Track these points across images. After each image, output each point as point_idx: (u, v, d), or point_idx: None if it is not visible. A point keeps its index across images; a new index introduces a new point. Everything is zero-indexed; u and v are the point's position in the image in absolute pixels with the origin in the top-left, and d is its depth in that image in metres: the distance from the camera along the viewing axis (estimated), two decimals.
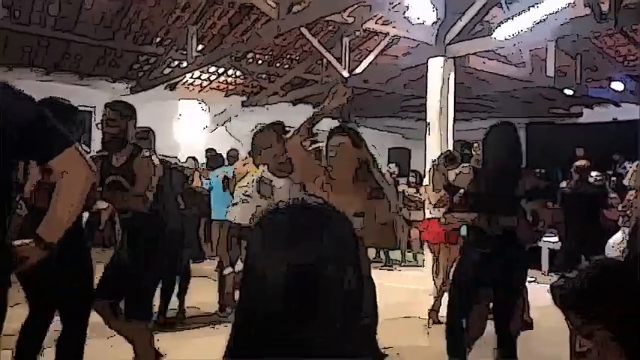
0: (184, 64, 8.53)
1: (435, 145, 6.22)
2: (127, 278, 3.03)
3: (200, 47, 8.36)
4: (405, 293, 6.06)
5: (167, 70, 9.17)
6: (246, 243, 0.96)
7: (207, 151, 8.08)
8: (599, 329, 1.24)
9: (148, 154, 3.18)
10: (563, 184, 6.18)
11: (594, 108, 10.83)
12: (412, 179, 8.32)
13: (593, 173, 5.78)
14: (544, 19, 5.65)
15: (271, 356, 0.85)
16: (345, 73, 8.25)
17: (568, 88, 8.56)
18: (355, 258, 0.91)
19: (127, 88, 9.53)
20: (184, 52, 8.22)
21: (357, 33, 8.58)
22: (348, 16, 7.87)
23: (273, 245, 0.88)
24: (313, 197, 0.97)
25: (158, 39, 8.69)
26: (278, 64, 10.01)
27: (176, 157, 6.14)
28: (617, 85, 8.73)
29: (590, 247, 5.59)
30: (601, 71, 8.96)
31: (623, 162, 9.46)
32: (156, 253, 3.15)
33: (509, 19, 5.96)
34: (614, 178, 9.32)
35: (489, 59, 7.17)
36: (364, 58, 8.54)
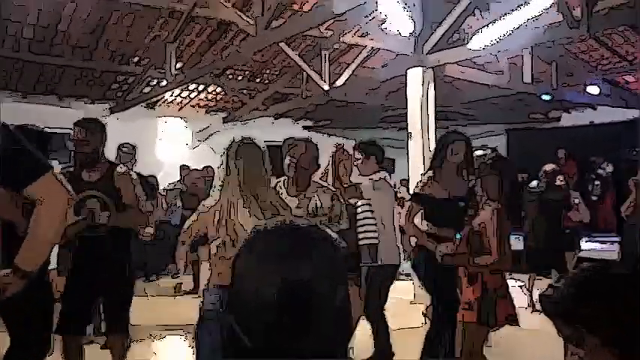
0: (164, 82, 8.48)
1: (417, 154, 6.25)
2: (101, 297, 3.06)
3: (179, 65, 8.32)
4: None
5: (147, 89, 9.12)
6: (231, 264, 0.94)
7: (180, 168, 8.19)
8: (588, 336, 1.23)
9: (124, 169, 3.20)
10: (533, 183, 6.33)
11: (571, 112, 11.01)
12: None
13: (560, 177, 6.02)
14: (519, 27, 5.74)
15: None
16: (326, 87, 8.28)
17: (545, 93, 8.69)
18: (344, 277, 0.90)
19: (106, 108, 9.44)
20: (163, 71, 8.17)
21: (336, 46, 8.63)
22: (326, 29, 7.92)
23: (263, 266, 0.87)
24: (301, 219, 0.96)
25: (136, 58, 8.63)
26: (258, 80, 10.01)
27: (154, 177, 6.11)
28: (593, 89, 8.88)
29: (553, 247, 5.81)
30: (576, 76, 9.13)
31: (602, 163, 9.61)
32: (129, 266, 3.17)
33: (484, 27, 6.05)
34: (597, 183, 9.48)
35: (468, 67, 7.25)
36: (344, 71, 8.59)
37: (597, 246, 7.96)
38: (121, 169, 3.18)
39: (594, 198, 9.32)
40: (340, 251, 0.92)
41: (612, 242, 7.82)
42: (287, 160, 3.12)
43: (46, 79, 8.77)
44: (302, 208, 3.07)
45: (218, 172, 2.80)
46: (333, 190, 3.35)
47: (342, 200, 3.30)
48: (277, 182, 3.19)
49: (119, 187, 3.06)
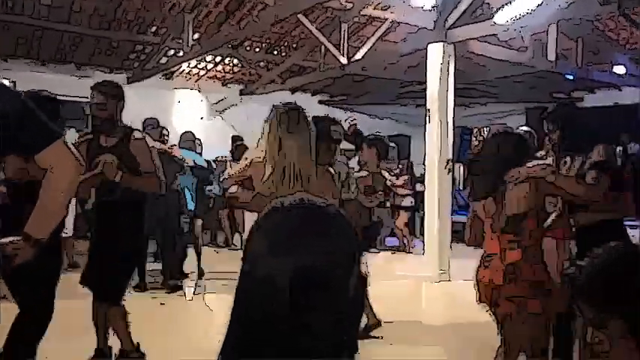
0: (181, 53, 8.43)
1: (434, 132, 6.15)
2: (99, 263, 3.07)
3: (196, 36, 8.25)
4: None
5: (164, 60, 9.07)
6: (245, 242, 0.90)
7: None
8: (614, 320, 1.17)
9: (140, 135, 3.17)
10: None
11: (596, 92, 10.73)
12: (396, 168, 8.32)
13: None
14: (546, 2, 5.55)
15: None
16: (344, 60, 8.15)
17: (569, 73, 8.46)
18: (359, 256, 0.88)
19: (124, 78, 9.43)
20: (180, 41, 8.11)
21: (356, 19, 8.46)
22: (346, 1, 7.76)
23: (280, 245, 0.83)
24: (315, 197, 0.92)
25: (154, 28, 8.57)
26: (276, 52, 9.90)
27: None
28: (619, 69, 8.62)
29: None
30: (603, 55, 8.85)
31: (629, 142, 9.37)
32: (131, 236, 3.14)
33: (509, 2, 5.85)
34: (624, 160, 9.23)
35: (490, 44, 7.06)
36: (363, 45, 8.43)
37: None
38: (137, 134, 3.15)
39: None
40: (354, 231, 0.89)
41: (633, 227, 7.63)
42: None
43: (65, 47, 8.77)
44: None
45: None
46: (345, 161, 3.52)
47: (350, 172, 3.52)
48: None
49: (135, 154, 3.03)
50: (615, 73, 8.66)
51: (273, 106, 2.72)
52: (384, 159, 5.01)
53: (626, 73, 8.67)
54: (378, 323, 4.01)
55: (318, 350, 0.82)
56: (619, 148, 9.37)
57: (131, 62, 9.49)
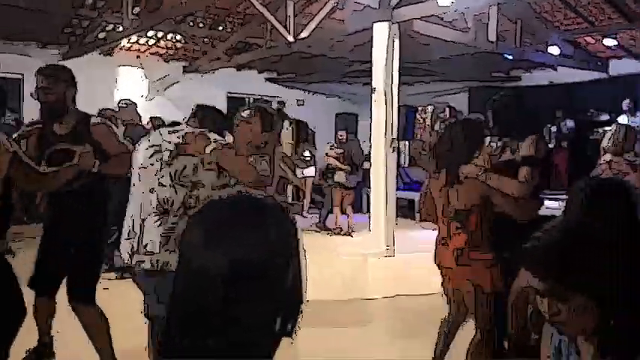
0: (120, 28, 8.10)
1: (380, 110, 6.24)
2: (68, 258, 2.87)
3: (137, 10, 7.94)
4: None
5: (102, 35, 8.69)
6: (180, 235, 0.90)
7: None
8: (575, 294, 1.20)
9: (98, 119, 3.02)
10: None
11: (532, 72, 11.17)
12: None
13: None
14: None
15: (206, 351, 0.82)
16: (290, 38, 8.08)
17: (508, 52, 8.74)
18: (297, 249, 0.89)
19: (58, 53, 8.97)
20: (120, 15, 7.78)
21: None
22: None
23: (215, 237, 0.84)
24: (253, 190, 0.94)
25: (91, 0, 8.17)
26: (220, 28, 9.68)
27: None
28: (554, 50, 8.99)
29: None
30: (539, 36, 9.20)
31: (564, 120, 9.82)
32: (103, 226, 3.00)
33: None
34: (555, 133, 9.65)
35: (434, 24, 7.18)
36: (309, 22, 8.38)
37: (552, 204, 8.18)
38: (95, 119, 2.99)
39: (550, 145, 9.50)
40: (294, 222, 0.91)
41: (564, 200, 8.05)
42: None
43: None
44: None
45: None
46: None
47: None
48: None
49: (100, 140, 2.85)
50: (550, 53, 9.03)
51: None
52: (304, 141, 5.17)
53: (560, 54, 9.07)
54: None
55: (253, 342, 0.84)
56: (554, 128, 9.84)
57: (66, 37, 9.03)
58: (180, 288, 0.86)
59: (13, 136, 2.80)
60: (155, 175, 2.41)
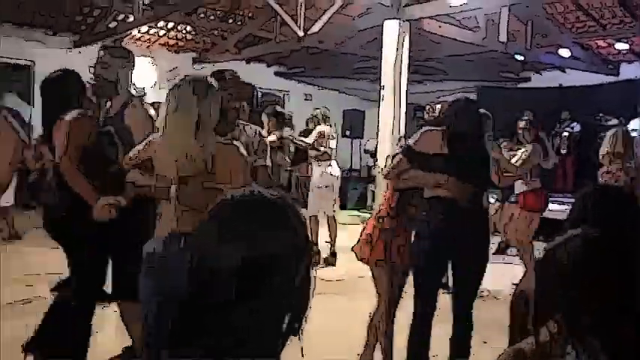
0: (131, 17, 8.12)
1: (388, 108, 6.24)
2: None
3: (148, 0, 7.95)
4: None
5: (113, 24, 8.71)
6: (196, 233, 0.91)
7: None
8: (591, 339, 1.13)
9: (135, 101, 2.86)
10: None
11: (542, 73, 11.11)
12: None
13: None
14: None
15: (214, 349, 0.82)
16: (300, 32, 8.07)
17: (519, 53, 8.70)
18: (308, 251, 0.90)
19: (70, 41, 9.01)
20: (130, 5, 7.80)
21: None
22: None
23: (229, 236, 0.85)
24: (267, 189, 0.94)
25: None
26: (230, 21, 9.68)
27: None
28: (564, 52, 8.94)
29: None
30: (550, 38, 9.15)
31: (571, 122, 9.77)
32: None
33: None
34: (566, 133, 9.61)
35: (444, 23, 7.16)
36: (320, 17, 8.37)
37: (557, 207, 8.06)
38: (133, 100, 2.83)
39: (563, 151, 9.49)
40: (304, 222, 0.92)
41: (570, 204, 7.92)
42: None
43: (6, 5, 8.26)
44: None
45: None
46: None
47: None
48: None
49: (129, 124, 2.66)
50: (560, 55, 8.98)
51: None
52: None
53: (570, 56, 9.01)
54: None
55: (261, 340, 0.85)
56: (565, 133, 9.73)
57: (77, 25, 9.06)
58: (192, 285, 0.87)
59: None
60: None
